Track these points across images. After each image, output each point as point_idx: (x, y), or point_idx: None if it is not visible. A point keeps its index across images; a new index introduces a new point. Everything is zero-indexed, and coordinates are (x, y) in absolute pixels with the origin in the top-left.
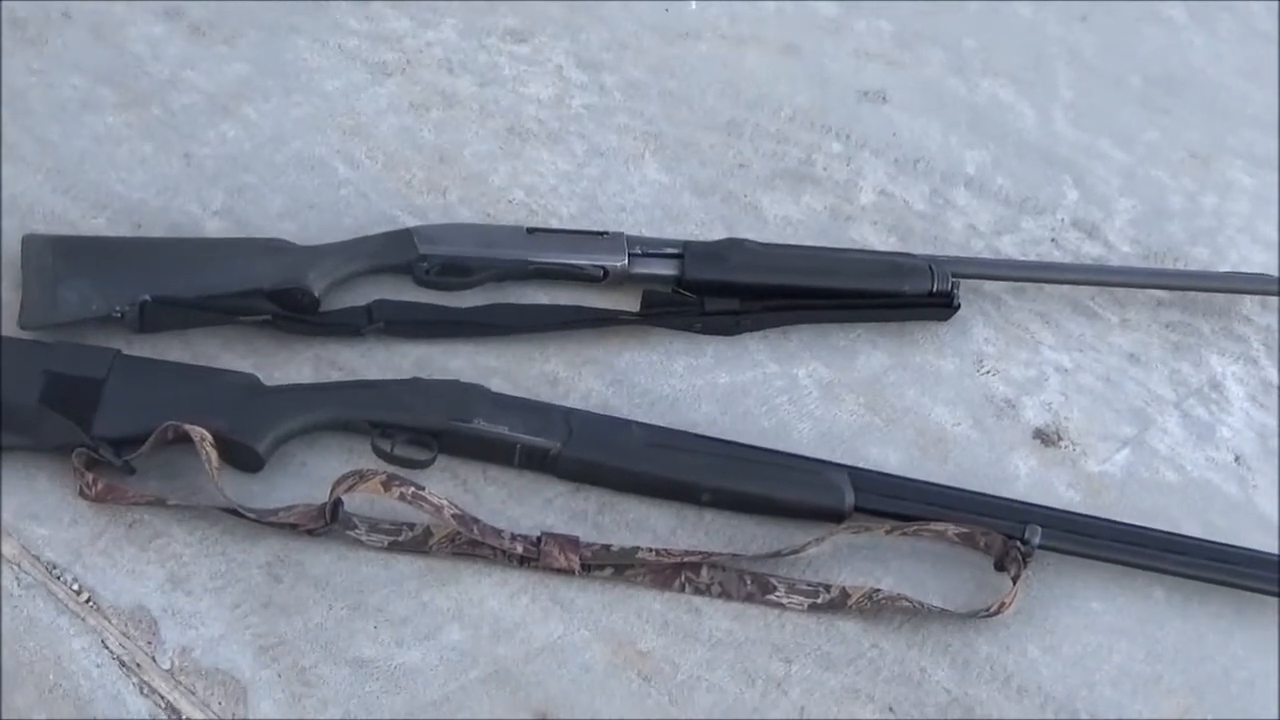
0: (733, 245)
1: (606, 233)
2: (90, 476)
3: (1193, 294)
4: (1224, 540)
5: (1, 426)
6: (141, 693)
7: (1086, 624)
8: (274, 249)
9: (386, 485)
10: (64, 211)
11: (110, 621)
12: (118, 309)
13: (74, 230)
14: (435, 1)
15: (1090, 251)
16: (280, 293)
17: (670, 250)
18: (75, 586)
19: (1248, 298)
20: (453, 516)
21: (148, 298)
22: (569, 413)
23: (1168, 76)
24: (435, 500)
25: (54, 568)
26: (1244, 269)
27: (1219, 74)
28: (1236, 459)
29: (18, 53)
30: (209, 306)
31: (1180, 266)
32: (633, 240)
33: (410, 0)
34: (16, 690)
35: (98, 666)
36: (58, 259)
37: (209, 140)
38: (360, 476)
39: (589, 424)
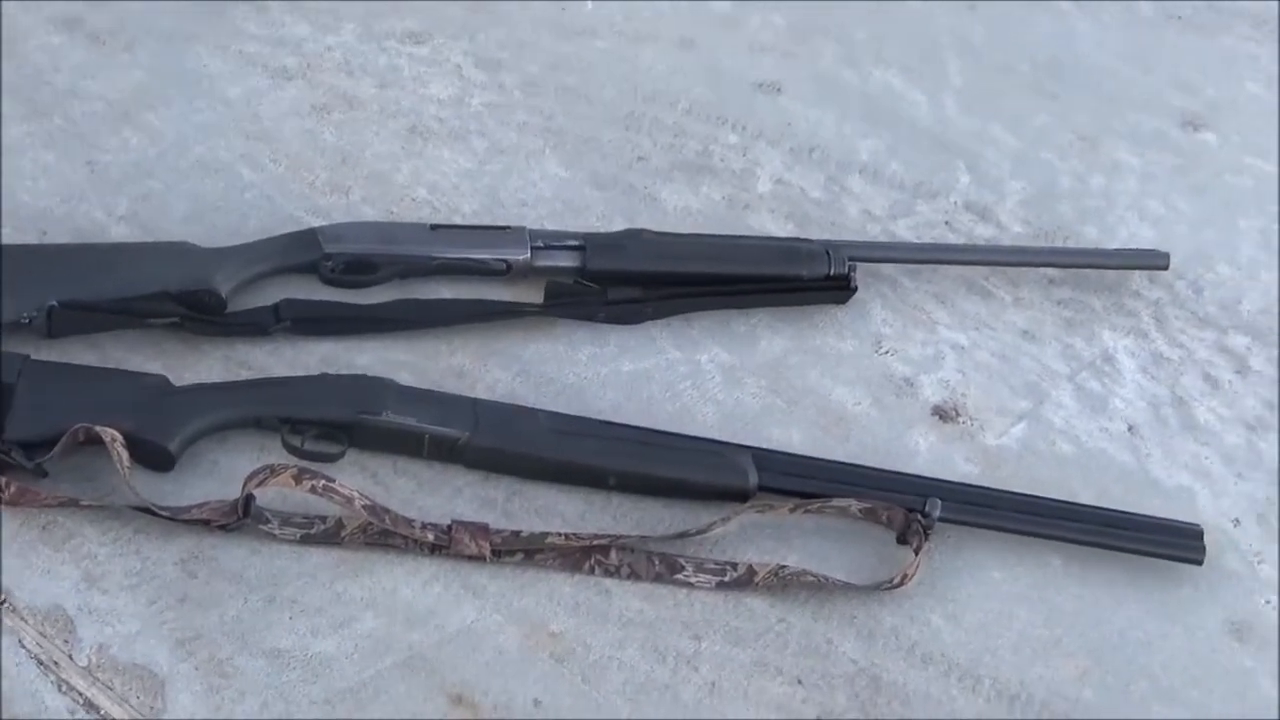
0: (632, 236)
1: (509, 227)
2: (3, 480)
3: (1084, 271)
4: (1121, 508)
5: None
6: (60, 690)
7: (987, 592)
8: (180, 252)
9: (298, 478)
10: None
11: (26, 621)
12: (25, 315)
13: None
14: (334, 3)
15: (983, 233)
16: (187, 295)
17: (571, 242)
18: None
19: (1137, 273)
20: (363, 507)
21: (55, 303)
22: (475, 403)
23: (1054, 62)
24: (346, 492)
25: None
26: (1133, 245)
27: (1103, 59)
28: (1130, 429)
29: None
30: (117, 310)
31: (1071, 245)
32: (535, 234)
33: (309, 4)
34: None
35: (16, 666)
36: None
37: (111, 148)
38: (272, 471)
39: (495, 413)
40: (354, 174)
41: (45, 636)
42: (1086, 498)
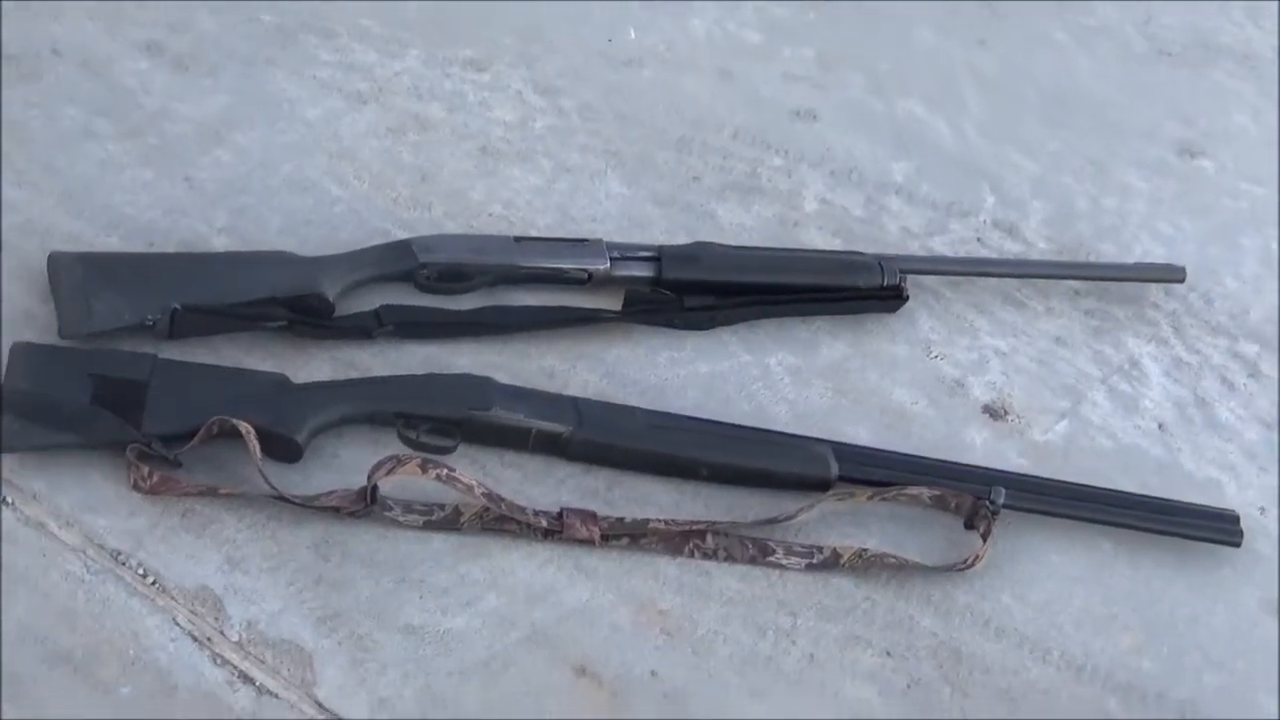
0: (704, 248)
1: (587, 240)
2: (145, 470)
3: (1105, 284)
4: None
5: (56, 426)
6: (215, 663)
7: (1048, 573)
8: (288, 261)
9: (423, 467)
10: (79, 232)
11: (177, 601)
12: (149, 318)
13: (93, 249)
14: (397, 32)
15: (1012, 249)
16: (297, 300)
17: (646, 254)
18: (141, 571)
19: (1154, 285)
20: (483, 494)
21: (178, 306)
22: (576, 400)
23: (1060, 93)
24: (466, 480)
25: (119, 554)
26: (1148, 261)
27: (1103, 91)
28: (1160, 426)
29: (14, 87)
30: (234, 314)
31: (1092, 260)
32: (611, 246)
33: (374, 32)
34: (100, 665)
35: (172, 641)
36: (88, 273)
37: (205, 165)
38: (398, 461)
39: (595, 409)
40: (433, 191)
41: (196, 614)
42: (1127, 487)
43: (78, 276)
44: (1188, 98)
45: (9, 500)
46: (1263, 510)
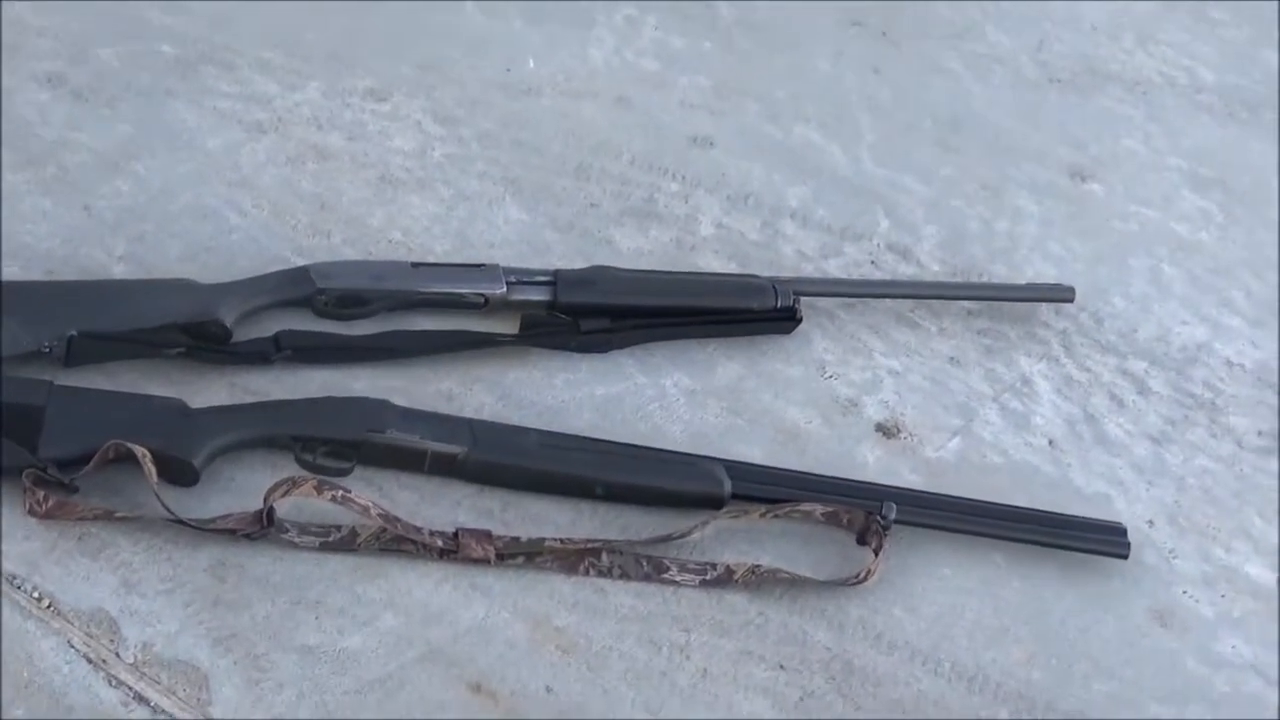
0: (600, 271)
1: (484, 265)
2: (40, 494)
3: (997, 304)
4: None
5: None
6: (110, 684)
7: (940, 587)
8: (185, 287)
9: (319, 489)
10: None
11: (73, 624)
12: (46, 344)
13: None
14: (297, 63)
15: (905, 271)
16: (195, 326)
17: (543, 278)
18: (36, 594)
19: (1044, 305)
20: (378, 515)
21: (74, 333)
22: (471, 422)
23: (954, 119)
24: (363, 501)
25: (14, 578)
26: (1039, 281)
27: (996, 117)
28: (1050, 443)
29: None
30: (131, 339)
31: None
32: (508, 270)
33: (274, 64)
34: None
35: (67, 663)
36: None
37: (105, 194)
38: (294, 483)
39: (490, 430)
40: (332, 218)
41: (92, 636)
42: (1018, 503)
43: None
44: (1078, 123)
45: None
46: (1151, 523)
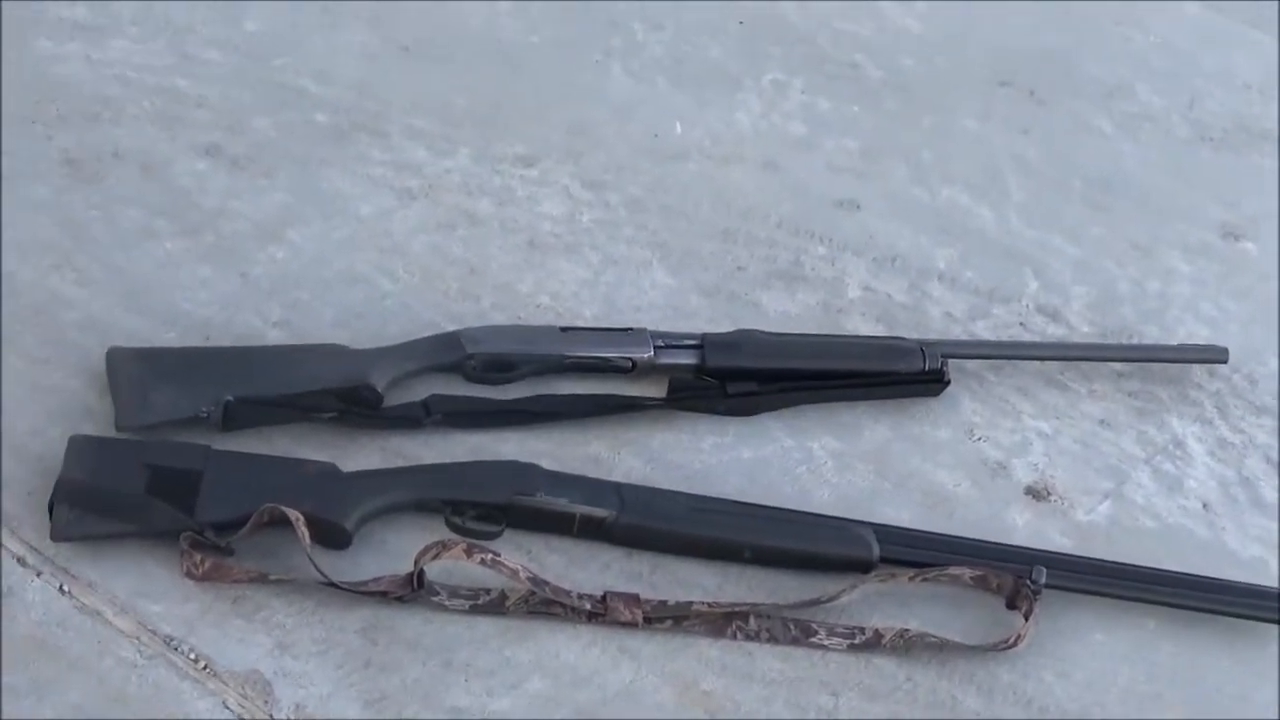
0: (746, 335)
1: (631, 329)
2: (197, 557)
3: (1149, 365)
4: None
5: (111, 515)
6: None
7: (1091, 652)
8: (338, 353)
9: (469, 552)
10: (138, 329)
11: (228, 685)
12: (203, 410)
13: (150, 344)
14: (448, 130)
15: (1054, 332)
16: (347, 391)
17: (689, 342)
18: (192, 655)
19: (1197, 367)
20: (527, 579)
21: (231, 398)
22: (619, 485)
23: (1104, 179)
24: (511, 564)
25: (171, 639)
26: (1191, 342)
27: (1147, 176)
28: (1204, 506)
29: (77, 190)
30: (285, 404)
31: (1135, 342)
32: (655, 334)
33: (425, 131)
34: None
35: None
36: (145, 368)
37: (260, 261)
38: (444, 546)
39: (638, 494)
40: (482, 284)
41: (246, 698)
42: (1170, 567)
43: (134, 371)
44: (1230, 181)
45: (66, 589)
46: None
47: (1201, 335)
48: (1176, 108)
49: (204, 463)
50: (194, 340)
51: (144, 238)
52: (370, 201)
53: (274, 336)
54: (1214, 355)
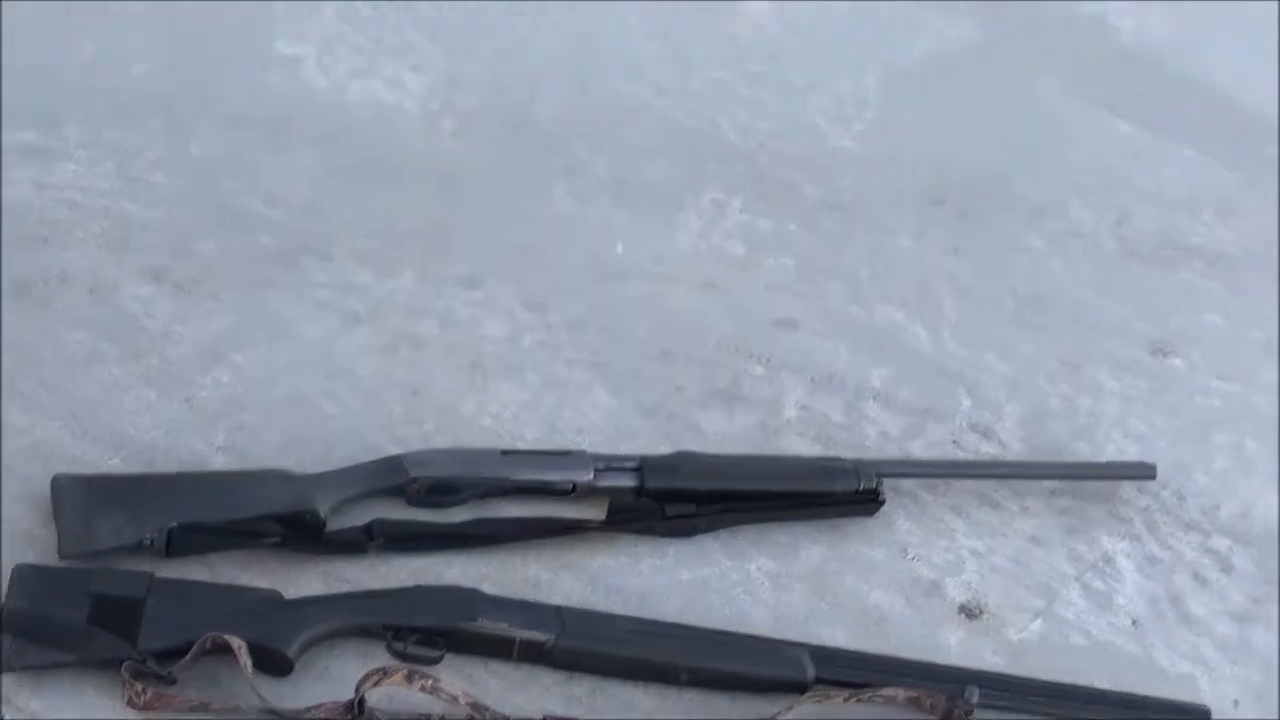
0: (684, 457)
1: (572, 451)
2: (139, 686)
3: (1079, 483)
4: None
5: (55, 645)
6: None
7: None
8: (281, 478)
9: (410, 678)
10: (84, 454)
11: None
12: (147, 537)
13: (95, 470)
14: (392, 252)
15: (988, 450)
16: (290, 517)
17: (629, 464)
18: None
19: (1126, 483)
20: (467, 704)
21: (174, 525)
22: (559, 609)
23: (1035, 296)
24: (452, 690)
25: None
26: (1121, 459)
27: (1077, 292)
28: (1134, 623)
29: (25, 313)
30: (229, 531)
31: (1066, 460)
32: (595, 457)
33: (370, 253)
34: None
35: None
36: (89, 495)
37: (206, 385)
38: (384, 672)
39: (577, 617)
40: (425, 406)
41: None
42: (1102, 685)
43: (79, 498)
44: (1159, 297)
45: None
46: (1236, 703)
47: (1131, 451)
48: (1106, 225)
49: (146, 591)
50: (139, 465)
51: (90, 362)
52: (315, 324)
53: (219, 461)
54: (1142, 472)
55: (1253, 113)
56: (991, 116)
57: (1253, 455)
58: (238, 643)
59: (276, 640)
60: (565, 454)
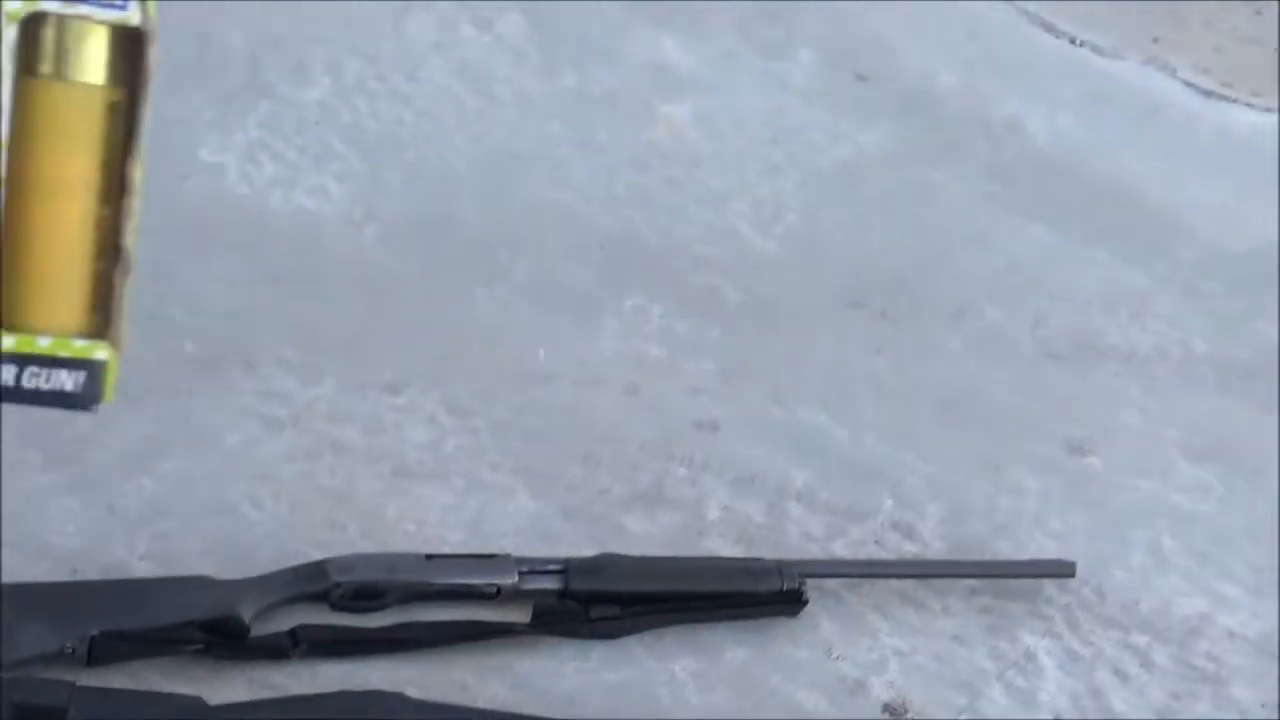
0: (609, 559)
1: (496, 555)
2: None
3: (1001, 581)
4: None
5: None
6: None
7: None
8: (204, 585)
9: None
10: (7, 563)
11: None
12: (68, 645)
13: (18, 579)
14: (315, 358)
15: (910, 550)
16: (214, 623)
17: (553, 567)
18: None
19: (1047, 581)
20: None
21: (96, 633)
22: (484, 712)
23: (954, 397)
24: None
25: None
26: (1041, 557)
27: (995, 393)
28: (1056, 719)
29: None
30: (151, 638)
31: (987, 558)
32: (520, 560)
33: (292, 360)
34: None
35: None
36: (10, 604)
37: (128, 492)
38: None
39: None
40: (349, 512)
41: None
42: None
43: None
44: (1076, 397)
45: None
46: None
47: (1051, 549)
48: (1022, 325)
49: (68, 700)
50: (62, 574)
51: (11, 470)
52: (238, 431)
53: (142, 568)
54: (1062, 570)
55: (1164, 214)
56: (909, 220)
57: (1170, 552)
58: None
59: None
60: (490, 557)
